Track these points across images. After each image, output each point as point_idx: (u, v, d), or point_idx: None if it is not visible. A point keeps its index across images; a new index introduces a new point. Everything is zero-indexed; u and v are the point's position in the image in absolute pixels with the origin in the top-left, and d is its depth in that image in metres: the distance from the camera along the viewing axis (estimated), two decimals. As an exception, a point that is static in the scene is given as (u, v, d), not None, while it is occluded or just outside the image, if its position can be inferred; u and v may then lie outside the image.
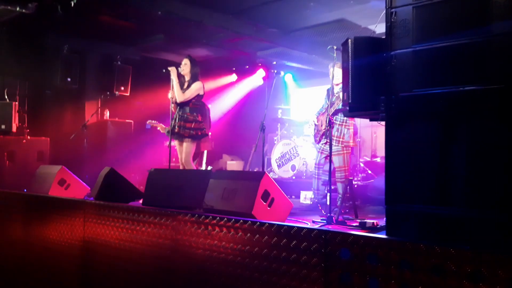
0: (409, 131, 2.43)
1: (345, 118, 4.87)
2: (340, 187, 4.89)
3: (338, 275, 2.17)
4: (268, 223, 2.52)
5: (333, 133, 4.84)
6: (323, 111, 5.25)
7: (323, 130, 5.05)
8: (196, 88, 5.29)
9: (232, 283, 2.64)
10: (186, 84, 5.37)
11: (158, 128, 6.08)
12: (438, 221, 2.29)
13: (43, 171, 5.18)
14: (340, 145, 4.86)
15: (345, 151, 4.87)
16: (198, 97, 5.36)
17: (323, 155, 5.06)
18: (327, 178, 4.96)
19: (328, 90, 5.27)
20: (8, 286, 4.54)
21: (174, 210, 3.06)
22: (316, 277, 2.25)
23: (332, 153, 4.85)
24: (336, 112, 4.90)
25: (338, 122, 4.92)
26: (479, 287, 1.76)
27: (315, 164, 5.18)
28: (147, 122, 6.30)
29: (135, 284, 3.23)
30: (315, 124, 5.33)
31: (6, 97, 6.60)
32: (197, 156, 5.95)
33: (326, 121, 4.82)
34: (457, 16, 2.32)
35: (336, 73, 4.96)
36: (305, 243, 2.31)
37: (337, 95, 4.90)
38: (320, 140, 5.15)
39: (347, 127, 4.91)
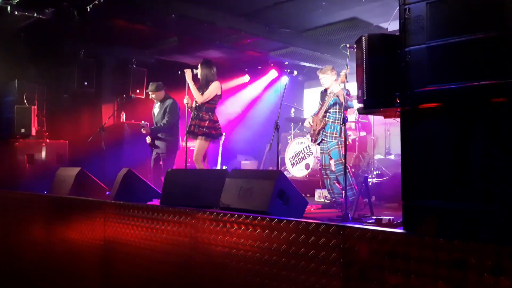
0: (424, 126, 2.44)
1: (337, 116, 5.24)
2: (341, 179, 5.05)
3: (358, 270, 2.19)
4: (286, 219, 2.55)
5: (327, 130, 5.26)
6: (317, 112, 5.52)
7: (318, 129, 5.36)
8: (214, 87, 5.35)
9: (251, 279, 2.67)
10: (204, 86, 5.42)
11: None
12: (456, 216, 2.28)
13: (62, 173, 5.27)
14: (334, 140, 5.23)
15: (340, 145, 5.20)
16: (216, 97, 5.41)
17: (325, 154, 5.37)
18: (335, 176, 5.25)
19: (321, 92, 5.61)
20: (31, 286, 4.65)
21: (193, 209, 3.11)
22: (335, 272, 2.27)
23: (329, 149, 5.17)
24: (328, 109, 5.25)
25: (331, 120, 5.29)
26: (501, 281, 1.77)
27: (321, 165, 5.49)
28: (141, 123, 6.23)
29: (156, 282, 3.29)
30: (310, 126, 5.58)
31: (25, 101, 6.72)
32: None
33: (321, 121, 5.29)
34: (471, 11, 2.31)
35: (322, 78, 5.38)
36: (324, 239, 2.33)
37: (329, 94, 5.24)
38: (316, 139, 5.43)
39: (339, 124, 5.23)
